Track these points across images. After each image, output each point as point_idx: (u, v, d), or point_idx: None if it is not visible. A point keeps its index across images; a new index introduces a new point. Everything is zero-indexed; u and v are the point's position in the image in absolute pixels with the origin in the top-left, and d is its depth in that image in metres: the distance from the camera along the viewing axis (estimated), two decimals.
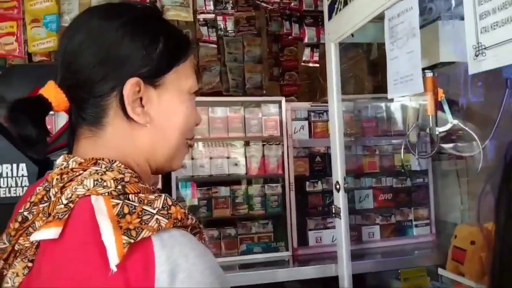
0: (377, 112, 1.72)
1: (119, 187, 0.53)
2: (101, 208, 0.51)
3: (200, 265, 0.50)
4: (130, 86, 0.56)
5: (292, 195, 1.64)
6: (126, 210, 0.51)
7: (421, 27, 1.11)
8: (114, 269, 0.47)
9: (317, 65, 1.79)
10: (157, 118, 0.60)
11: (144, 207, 0.51)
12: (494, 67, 0.79)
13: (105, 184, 0.53)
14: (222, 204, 1.62)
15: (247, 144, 1.67)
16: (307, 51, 1.78)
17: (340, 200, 1.36)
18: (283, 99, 1.69)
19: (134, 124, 0.58)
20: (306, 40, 1.76)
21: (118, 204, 0.51)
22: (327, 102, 1.70)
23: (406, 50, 1.09)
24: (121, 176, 0.54)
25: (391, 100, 1.75)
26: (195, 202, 1.61)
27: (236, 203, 1.63)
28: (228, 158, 1.66)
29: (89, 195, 0.52)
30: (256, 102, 1.71)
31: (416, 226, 1.68)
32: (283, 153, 1.66)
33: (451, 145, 1.41)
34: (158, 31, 0.61)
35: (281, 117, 1.67)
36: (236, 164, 1.66)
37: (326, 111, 1.69)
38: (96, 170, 0.54)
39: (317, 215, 1.65)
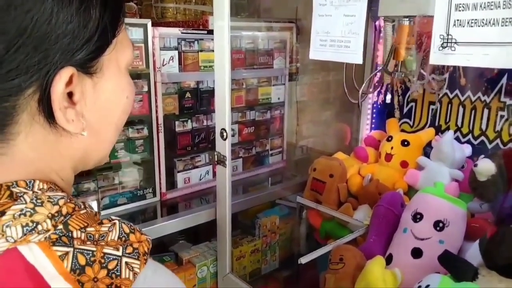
0: (247, 42, 1.51)
1: (60, 226, 0.36)
2: (44, 265, 0.34)
3: None
4: (62, 81, 0.38)
5: (161, 137, 1.37)
6: (82, 260, 0.35)
7: None
8: None
9: None
10: (92, 118, 0.43)
11: (105, 250, 0.36)
12: (463, 65, 0.75)
13: (39, 228, 0.35)
14: None
15: None
16: None
17: (226, 148, 1.22)
18: (149, 22, 1.27)
19: (61, 131, 0.41)
20: None
21: (66, 253, 0.35)
22: (200, 29, 1.40)
23: (344, 11, 0.92)
24: (56, 208, 0.37)
25: (260, 29, 1.56)
26: None
27: None
28: None
29: (15, 247, 0.34)
30: None
31: (271, 155, 1.69)
32: (149, 89, 1.32)
33: None
34: None
35: (147, 45, 1.28)
36: None
37: (198, 40, 1.38)
38: (21, 210, 0.35)
39: (186, 155, 1.45)
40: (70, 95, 0.40)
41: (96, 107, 0.43)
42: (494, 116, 1.27)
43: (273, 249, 1.58)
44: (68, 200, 0.40)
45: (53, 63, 0.37)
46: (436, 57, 0.69)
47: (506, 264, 0.77)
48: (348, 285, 0.99)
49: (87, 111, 0.42)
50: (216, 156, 1.26)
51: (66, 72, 0.38)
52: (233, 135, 1.51)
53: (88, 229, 0.38)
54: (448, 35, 0.68)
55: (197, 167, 1.48)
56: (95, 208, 1.29)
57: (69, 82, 0.39)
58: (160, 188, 1.41)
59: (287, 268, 1.62)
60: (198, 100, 1.43)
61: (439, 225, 0.98)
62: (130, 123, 1.31)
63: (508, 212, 0.94)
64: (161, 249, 1.49)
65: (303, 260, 1.09)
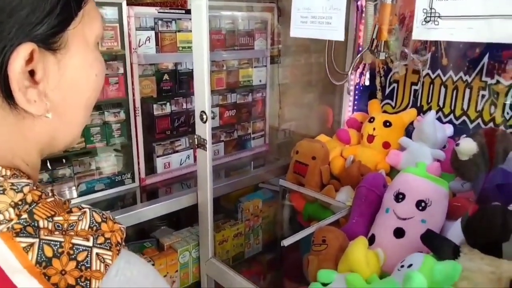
0: (226, 23, 1.46)
1: (24, 215, 0.34)
2: (6, 257, 0.31)
3: None
4: (20, 58, 0.34)
5: (139, 121, 1.33)
6: (48, 252, 0.33)
7: None
8: None
9: None
10: (57, 98, 0.39)
11: (74, 241, 0.34)
12: (446, 40, 0.73)
13: (1, 218, 0.33)
14: None
15: None
16: None
17: (206, 131, 1.19)
18: (123, 1, 1.22)
19: (23, 113, 0.37)
20: None
21: (31, 244, 0.32)
22: (177, 8, 1.35)
23: None
24: (20, 196, 0.34)
25: (240, 9, 1.52)
26: None
27: None
28: None
29: None
30: None
31: (253, 138, 1.67)
32: (125, 71, 1.27)
33: None
34: None
35: (122, 25, 1.23)
36: None
37: (175, 20, 1.34)
38: None
39: (165, 140, 1.41)
40: (32, 73, 0.37)
41: (61, 86, 0.39)
42: (475, 96, 1.27)
43: (256, 232, 1.57)
44: (34, 188, 0.37)
45: (9, 38, 0.34)
46: (419, 32, 0.67)
47: (487, 241, 0.76)
48: (331, 266, 0.98)
49: (50, 90, 0.38)
50: (196, 140, 1.23)
51: (25, 49, 0.35)
52: (213, 118, 1.48)
53: (56, 218, 0.35)
54: (431, 9, 0.66)
55: (177, 151, 1.45)
56: (74, 195, 1.25)
57: (30, 59, 0.36)
58: (139, 174, 1.37)
59: (270, 251, 1.61)
60: (177, 82, 1.39)
61: (421, 205, 0.98)
62: (106, 106, 1.26)
63: (489, 191, 0.94)
64: (142, 236, 1.46)
65: (286, 242, 1.08)
